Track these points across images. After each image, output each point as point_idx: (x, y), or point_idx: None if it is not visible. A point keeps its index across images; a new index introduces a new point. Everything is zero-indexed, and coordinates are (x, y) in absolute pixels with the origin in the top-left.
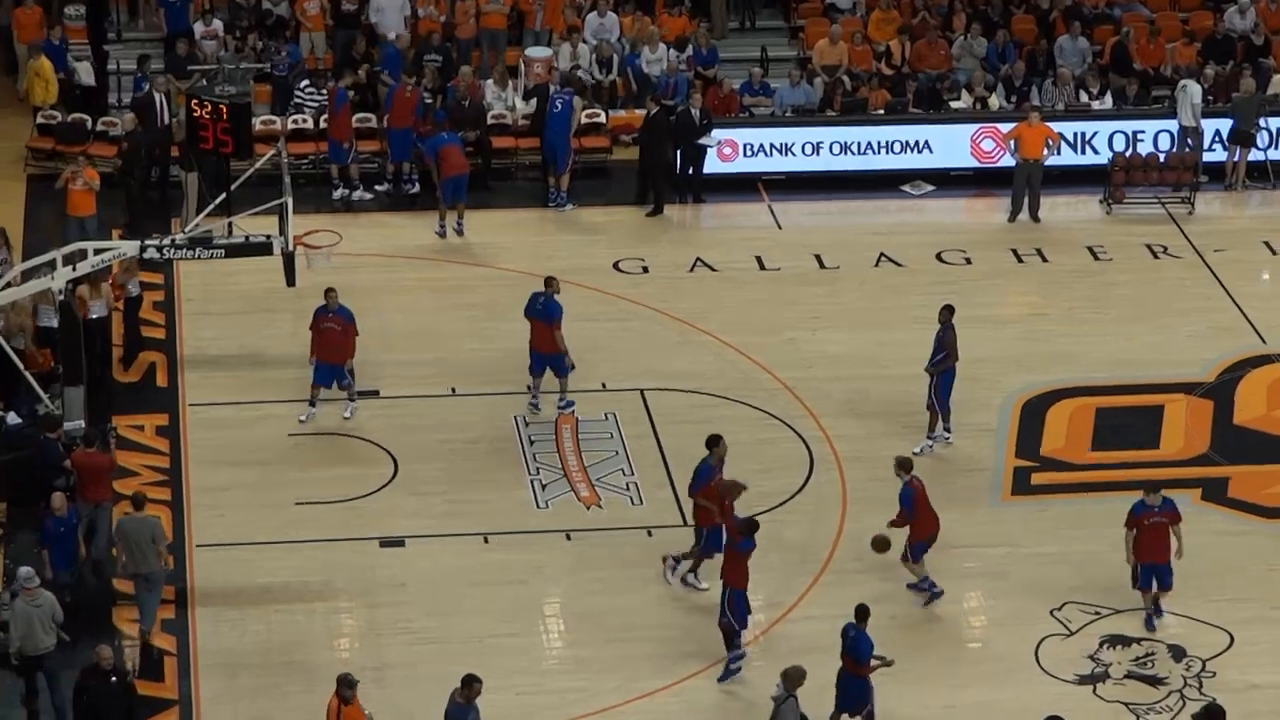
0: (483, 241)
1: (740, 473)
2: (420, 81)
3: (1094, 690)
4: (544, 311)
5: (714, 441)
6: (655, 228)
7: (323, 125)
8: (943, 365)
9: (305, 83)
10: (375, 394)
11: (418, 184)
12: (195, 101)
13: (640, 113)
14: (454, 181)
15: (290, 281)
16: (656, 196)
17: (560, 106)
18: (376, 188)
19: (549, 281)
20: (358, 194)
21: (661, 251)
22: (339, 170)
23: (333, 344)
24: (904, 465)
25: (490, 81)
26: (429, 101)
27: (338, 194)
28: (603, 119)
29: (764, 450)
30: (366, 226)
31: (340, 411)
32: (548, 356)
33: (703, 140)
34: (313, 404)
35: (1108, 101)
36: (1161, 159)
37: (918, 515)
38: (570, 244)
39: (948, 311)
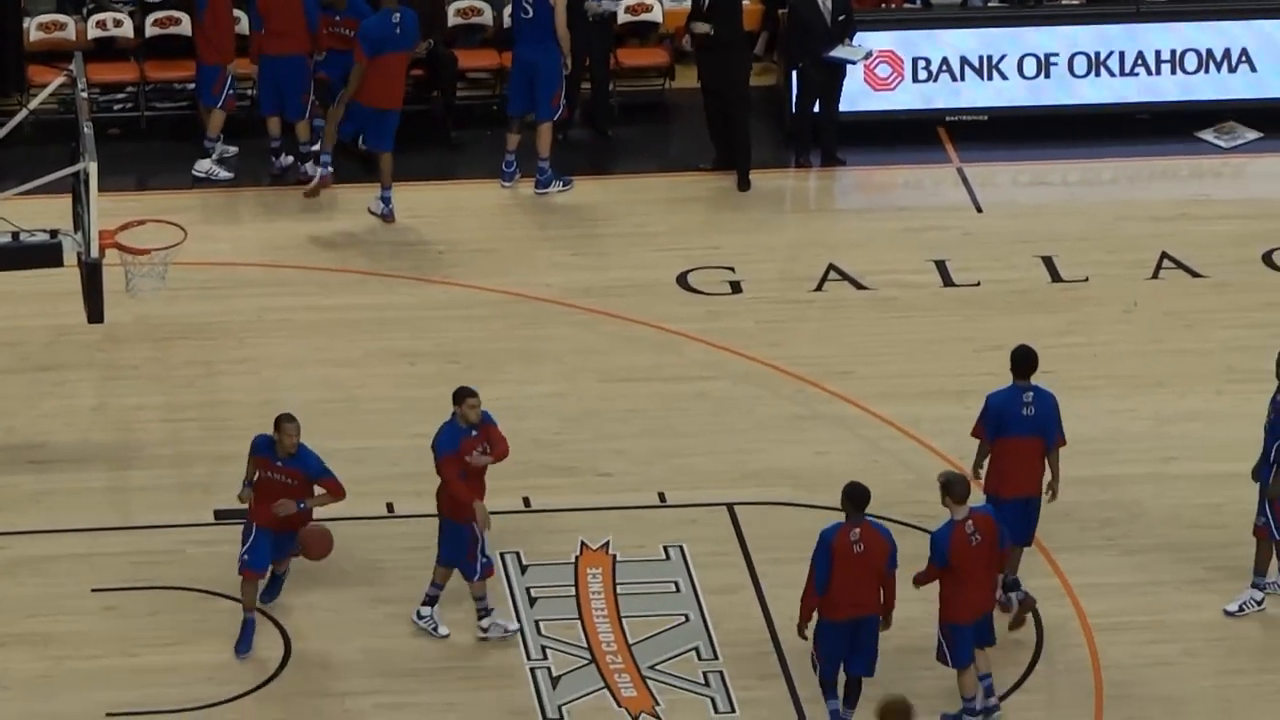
0: (436, 239)
1: (921, 649)
2: None
3: None
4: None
5: None
6: (752, 211)
7: (153, 31)
8: None
9: None
10: (244, 516)
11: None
12: None
13: None
14: (377, 117)
15: (95, 314)
16: (738, 155)
17: (531, 2)
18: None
19: (458, 396)
20: (208, 165)
21: (765, 255)
22: (208, 115)
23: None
24: (953, 489)
25: None
26: None
27: (203, 167)
28: (656, 14)
29: None
30: (229, 213)
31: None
32: (454, 525)
33: (837, 53)
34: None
35: None
36: None
37: (957, 581)
38: (597, 243)
39: None
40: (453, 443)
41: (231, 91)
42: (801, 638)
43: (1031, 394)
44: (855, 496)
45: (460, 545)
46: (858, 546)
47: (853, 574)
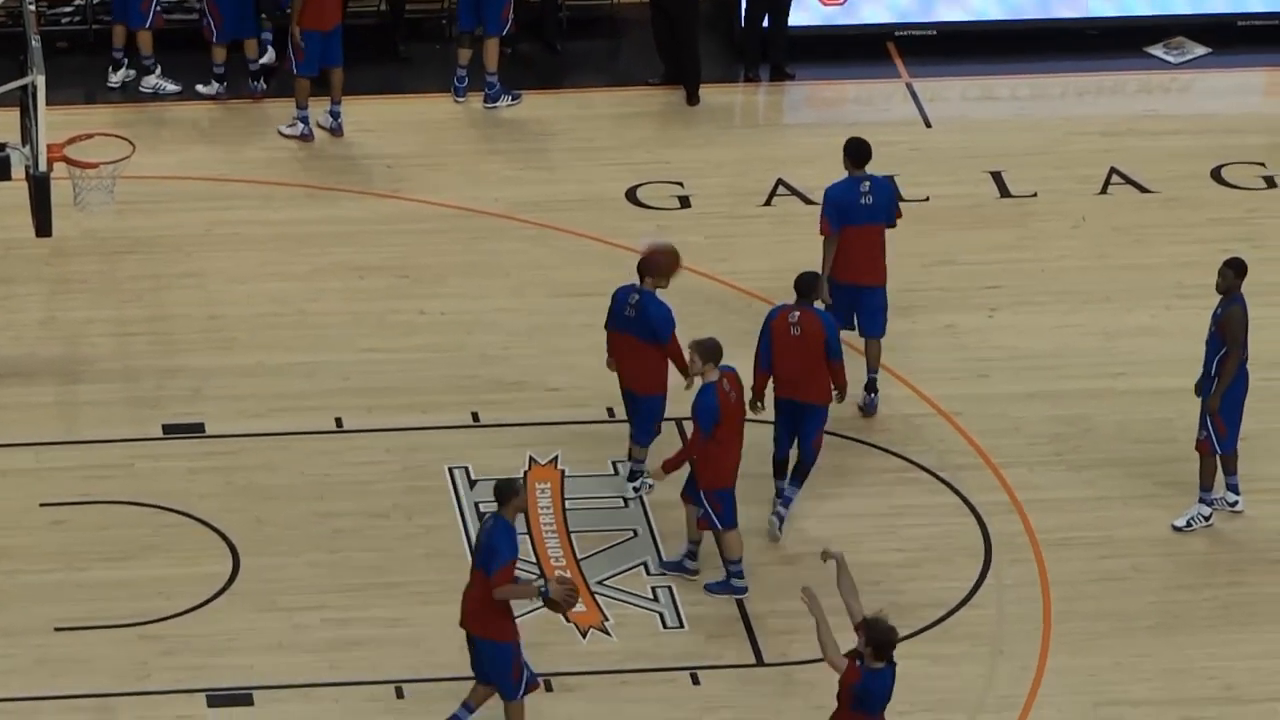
0: (385, 153)
1: (868, 564)
2: None
3: None
4: (641, 320)
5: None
6: (701, 126)
7: None
8: (1228, 374)
9: None
10: (198, 430)
11: (271, 48)
12: None
13: None
14: (321, 39)
15: (43, 228)
16: (687, 70)
17: None
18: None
19: (646, 264)
20: (155, 80)
21: (714, 170)
22: (128, 35)
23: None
24: (707, 351)
25: None
26: None
27: (150, 83)
28: None
29: (901, 526)
30: (177, 127)
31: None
32: (643, 399)
33: None
34: None
35: None
36: None
37: (719, 443)
38: (546, 157)
39: (1234, 272)
40: (671, 315)
41: (159, 8)
42: (752, 409)
43: (869, 183)
44: (800, 284)
45: (652, 417)
46: (795, 329)
47: (789, 355)
